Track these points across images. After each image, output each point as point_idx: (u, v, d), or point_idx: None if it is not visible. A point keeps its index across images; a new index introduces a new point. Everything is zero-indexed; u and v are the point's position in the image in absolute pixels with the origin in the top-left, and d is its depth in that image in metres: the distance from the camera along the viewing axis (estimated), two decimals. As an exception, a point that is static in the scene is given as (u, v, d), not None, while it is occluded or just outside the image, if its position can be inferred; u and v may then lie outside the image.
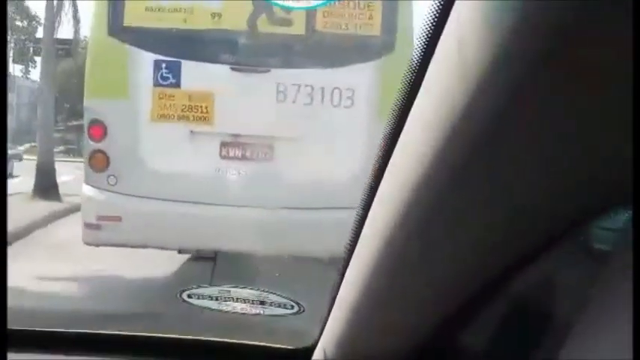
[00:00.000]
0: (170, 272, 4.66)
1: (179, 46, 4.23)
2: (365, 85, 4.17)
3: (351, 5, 4.30)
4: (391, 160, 0.63)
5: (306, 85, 4.21)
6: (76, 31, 15.87)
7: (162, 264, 4.72)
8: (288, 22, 4.26)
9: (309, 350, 1.08)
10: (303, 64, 4.28)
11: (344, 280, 0.83)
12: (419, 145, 0.57)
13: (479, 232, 0.59)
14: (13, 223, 6.95)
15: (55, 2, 12.83)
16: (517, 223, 0.56)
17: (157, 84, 4.17)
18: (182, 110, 4.20)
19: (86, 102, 4.34)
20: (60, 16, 13.62)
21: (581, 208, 0.53)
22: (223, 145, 4.26)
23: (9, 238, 5.98)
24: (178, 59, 4.18)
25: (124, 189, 4.18)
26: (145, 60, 4.16)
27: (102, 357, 1.22)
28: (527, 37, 0.43)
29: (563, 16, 0.41)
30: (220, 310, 1.37)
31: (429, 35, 0.53)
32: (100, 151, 4.18)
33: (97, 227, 4.16)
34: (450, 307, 0.70)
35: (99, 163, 4.18)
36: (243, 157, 4.27)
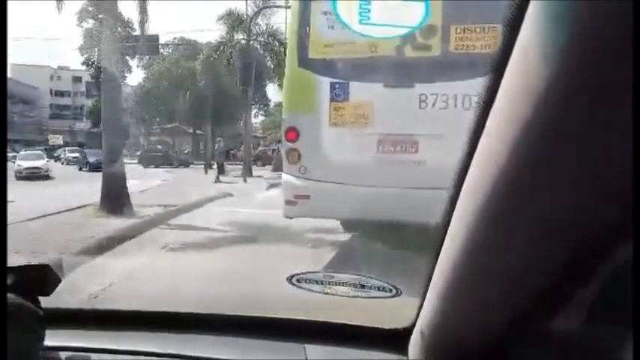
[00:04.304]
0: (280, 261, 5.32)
1: (347, 71, 5.81)
2: None
3: (478, 30, 5.52)
4: (475, 155, 0.68)
5: (443, 94, 5.53)
6: (143, 28, 14.98)
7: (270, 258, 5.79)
8: (427, 47, 5.61)
9: (408, 331, 1.13)
10: (440, 78, 5.61)
11: (437, 265, 0.87)
12: (495, 144, 0.62)
13: (552, 216, 0.61)
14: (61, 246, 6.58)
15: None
16: (586, 214, 0.57)
17: (332, 99, 5.79)
18: (349, 118, 5.78)
19: (284, 115, 6.18)
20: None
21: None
22: (379, 142, 5.77)
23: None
24: (347, 81, 5.77)
25: (311, 176, 5.87)
26: (324, 82, 5.81)
27: (219, 336, 1.30)
28: (583, 52, 0.46)
29: (618, 35, 0.44)
30: (325, 293, 1.48)
31: (504, 43, 0.56)
32: (294, 149, 5.93)
33: (294, 203, 5.91)
34: (537, 289, 0.71)
35: (294, 158, 5.93)
36: (395, 151, 5.74)
